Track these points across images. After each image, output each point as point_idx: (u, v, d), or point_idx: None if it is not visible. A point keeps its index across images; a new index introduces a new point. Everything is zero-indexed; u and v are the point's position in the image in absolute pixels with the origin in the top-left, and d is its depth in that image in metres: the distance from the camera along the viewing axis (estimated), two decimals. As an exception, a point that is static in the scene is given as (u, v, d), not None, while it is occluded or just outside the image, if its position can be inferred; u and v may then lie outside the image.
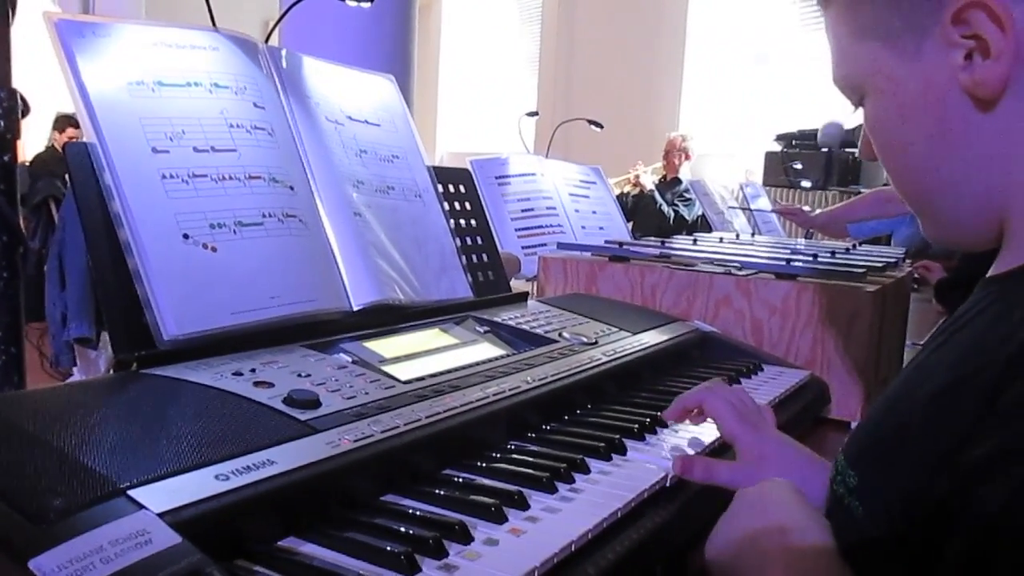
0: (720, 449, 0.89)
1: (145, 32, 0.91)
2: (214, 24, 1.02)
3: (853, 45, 0.63)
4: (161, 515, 0.52)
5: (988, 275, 0.60)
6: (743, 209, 3.34)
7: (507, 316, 1.15)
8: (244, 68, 0.99)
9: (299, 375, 0.79)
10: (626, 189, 5.51)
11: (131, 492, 0.54)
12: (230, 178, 0.90)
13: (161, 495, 0.55)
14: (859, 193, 4.73)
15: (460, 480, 0.73)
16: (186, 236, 0.84)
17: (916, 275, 2.38)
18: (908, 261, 1.97)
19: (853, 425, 1.29)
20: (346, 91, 1.15)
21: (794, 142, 5.55)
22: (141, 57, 0.89)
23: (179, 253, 0.83)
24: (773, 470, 0.76)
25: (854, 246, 2.10)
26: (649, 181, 5.44)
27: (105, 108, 0.83)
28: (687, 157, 5.43)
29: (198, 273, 0.83)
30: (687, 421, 0.93)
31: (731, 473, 0.78)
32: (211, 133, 0.90)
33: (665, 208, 5.25)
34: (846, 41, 0.63)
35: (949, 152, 0.59)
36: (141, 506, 0.53)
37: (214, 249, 0.86)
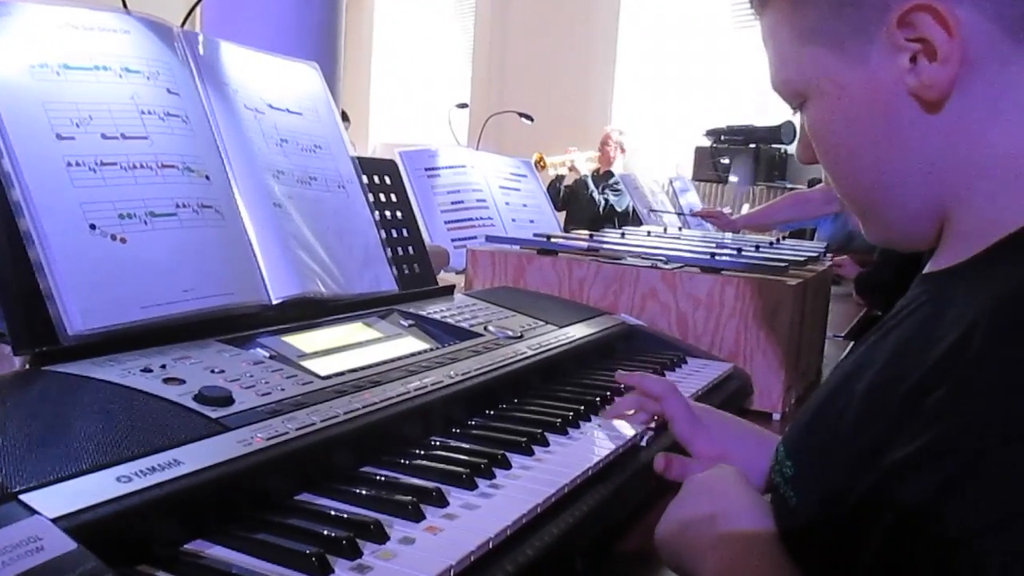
0: (643, 442, 0.90)
1: (50, 12, 0.87)
2: (125, 6, 0.98)
3: (795, 49, 0.62)
4: (56, 520, 0.50)
5: (925, 271, 0.61)
6: (668, 213, 3.39)
7: (433, 310, 1.14)
8: (157, 53, 0.95)
9: (212, 371, 0.76)
10: (561, 172, 5.55)
11: (23, 497, 0.51)
12: (141, 167, 0.87)
13: (57, 499, 0.52)
14: (786, 189, 4.85)
15: (378, 478, 0.71)
16: (93, 227, 0.80)
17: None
18: (829, 256, 2.02)
19: (775, 416, 1.32)
20: (267, 79, 1.11)
21: (723, 137, 5.64)
22: (45, 38, 0.85)
23: (85, 244, 0.79)
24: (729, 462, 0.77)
25: (778, 240, 2.15)
26: (584, 167, 5.47)
27: (4, 91, 0.79)
28: (622, 151, 5.48)
29: (106, 265, 0.80)
30: (609, 414, 0.94)
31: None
32: (121, 119, 0.87)
33: (596, 196, 5.30)
34: (787, 46, 0.63)
35: (895, 155, 0.59)
36: (34, 511, 0.50)
37: (123, 240, 0.82)
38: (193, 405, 0.68)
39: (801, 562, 0.58)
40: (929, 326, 0.52)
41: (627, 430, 0.90)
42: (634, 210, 3.54)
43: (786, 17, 0.62)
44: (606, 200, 5.28)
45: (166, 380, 0.72)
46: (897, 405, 0.50)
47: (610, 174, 5.35)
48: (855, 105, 0.59)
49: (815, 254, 1.81)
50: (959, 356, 0.47)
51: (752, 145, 5.43)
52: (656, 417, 0.92)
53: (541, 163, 5.23)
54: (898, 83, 0.56)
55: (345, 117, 6.14)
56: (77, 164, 0.81)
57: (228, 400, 0.70)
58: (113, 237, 0.81)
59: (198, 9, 2.42)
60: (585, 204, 5.30)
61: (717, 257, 1.47)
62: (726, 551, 0.63)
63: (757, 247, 1.77)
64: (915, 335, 0.53)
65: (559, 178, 5.55)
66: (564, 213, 5.29)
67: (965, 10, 0.53)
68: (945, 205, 0.58)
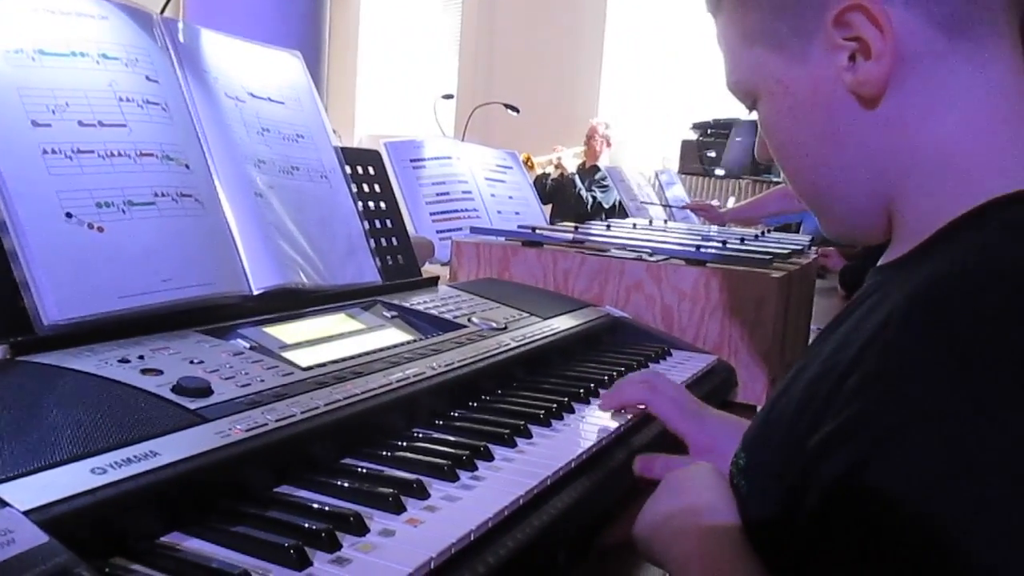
0: (627, 433, 0.90)
1: (25, -3, 0.85)
2: (103, -8, 0.96)
3: (743, 51, 0.64)
4: (28, 512, 0.49)
5: (877, 264, 0.62)
6: (655, 205, 3.40)
7: (416, 301, 1.13)
8: (136, 39, 0.94)
9: (191, 362, 0.75)
10: (548, 171, 5.54)
11: (-6, 489, 0.50)
12: (119, 154, 0.85)
13: (29, 491, 0.51)
14: (771, 182, 4.86)
15: (358, 470, 0.70)
16: (69, 215, 0.79)
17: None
18: (814, 248, 2.03)
19: (759, 409, 1.32)
20: (248, 67, 1.10)
21: (709, 130, 5.65)
22: (20, 23, 0.83)
23: (62, 233, 0.78)
24: (722, 454, 0.77)
25: (763, 233, 2.15)
26: (572, 164, 5.46)
27: (-22, 77, 0.78)
28: (608, 144, 5.48)
29: (83, 254, 0.79)
30: (595, 406, 0.93)
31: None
32: (98, 106, 0.85)
33: (584, 193, 5.29)
34: (736, 47, 0.65)
35: (838, 150, 0.61)
36: (5, 504, 0.49)
37: (101, 229, 0.81)
38: (171, 396, 0.67)
39: (758, 550, 0.59)
40: (867, 318, 0.54)
41: (611, 422, 0.90)
42: (621, 205, 3.54)
43: (734, 19, 0.65)
44: (594, 198, 5.27)
45: (144, 371, 0.71)
46: (825, 394, 0.52)
47: (596, 168, 5.34)
48: (799, 103, 0.61)
49: (799, 247, 1.81)
50: (874, 343, 0.49)
51: (738, 139, 5.43)
52: (635, 414, 0.92)
53: (529, 164, 5.22)
54: (837, 81, 0.58)
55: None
56: (53, 151, 0.80)
57: (207, 391, 0.69)
58: (90, 226, 0.80)
59: (181, -3, 2.39)
60: (572, 201, 5.29)
61: (702, 250, 1.47)
62: (690, 542, 0.64)
63: (742, 240, 1.77)
64: (856, 327, 0.55)
65: (545, 175, 5.54)
66: (549, 207, 5.28)
67: (897, 9, 0.56)
68: (889, 199, 0.60)
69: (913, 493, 0.44)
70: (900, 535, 0.44)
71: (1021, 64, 0.58)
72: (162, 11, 1.09)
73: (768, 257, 1.44)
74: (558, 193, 5.44)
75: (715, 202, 3.66)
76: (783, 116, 0.63)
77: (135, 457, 0.57)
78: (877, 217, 0.62)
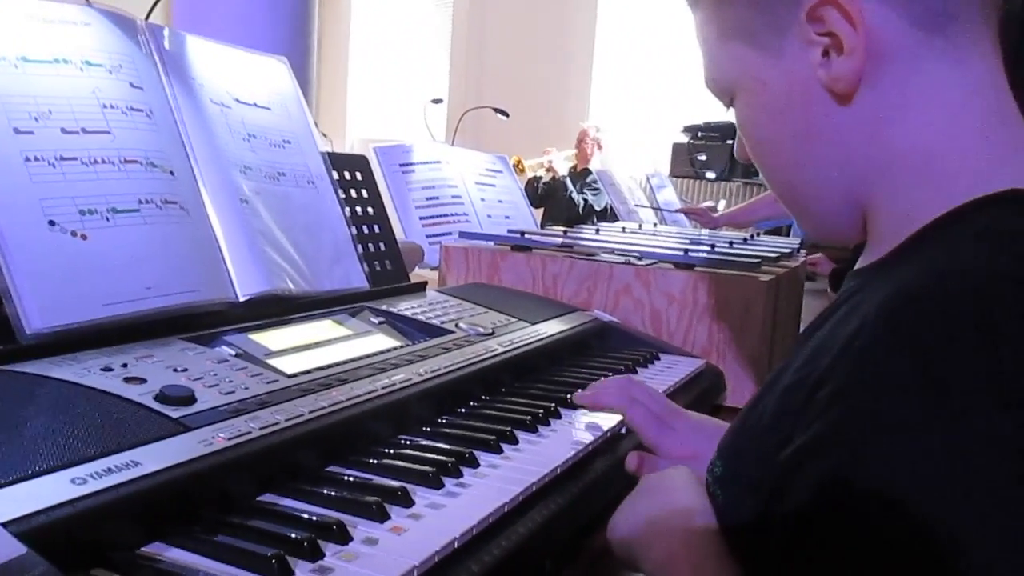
0: (615, 438, 0.90)
1: (8, 3, 0.85)
2: (87, -2, 0.96)
3: (720, 47, 0.64)
4: (6, 524, 0.49)
5: (855, 267, 0.62)
6: (647, 208, 3.40)
7: (404, 307, 1.12)
8: (120, 46, 0.93)
9: (175, 370, 0.75)
10: (539, 173, 5.55)
11: (-28, 500, 0.50)
12: (103, 161, 0.85)
13: (8, 502, 0.51)
14: (762, 185, 4.87)
15: (343, 478, 0.70)
16: (52, 223, 0.79)
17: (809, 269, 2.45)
18: (803, 252, 2.03)
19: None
20: (235, 73, 1.10)
21: (700, 134, 5.66)
22: (3, 30, 0.83)
23: (45, 241, 0.78)
24: (703, 462, 0.77)
25: (752, 236, 2.15)
26: (563, 167, 5.47)
27: (-40, 84, 0.77)
28: (599, 147, 5.49)
29: (66, 262, 0.78)
30: (582, 412, 0.93)
31: None
32: (81, 113, 0.85)
33: (575, 196, 5.30)
34: (714, 43, 0.64)
35: (813, 148, 0.60)
36: (-17, 515, 0.49)
37: (84, 237, 0.80)
38: (154, 405, 0.67)
39: (737, 558, 0.59)
40: (841, 326, 0.53)
41: (599, 427, 0.89)
42: (612, 208, 3.54)
43: (711, 14, 0.64)
44: (585, 201, 5.28)
45: (127, 379, 0.71)
46: (798, 404, 0.51)
47: (587, 172, 5.35)
48: (775, 100, 0.61)
49: (788, 250, 1.81)
50: (845, 355, 0.49)
51: (729, 141, 5.44)
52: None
53: (519, 167, 5.22)
54: (811, 77, 0.58)
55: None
56: (36, 159, 0.80)
57: (190, 399, 0.69)
58: (73, 234, 0.80)
59: (170, 3, 2.39)
60: (563, 204, 5.30)
61: (690, 253, 1.47)
62: (673, 543, 0.64)
63: (731, 243, 1.77)
64: (830, 334, 0.55)
65: (536, 178, 5.55)
66: (541, 211, 5.29)
67: (872, 4, 0.55)
68: (863, 199, 0.60)
69: (884, 507, 0.43)
70: (873, 548, 0.43)
71: (999, 63, 0.57)
72: (147, 17, 1.08)
73: (756, 260, 1.44)
74: (550, 196, 5.45)
75: (709, 203, 3.66)
76: (759, 113, 0.63)
77: (116, 467, 0.57)
78: (852, 217, 0.61)
